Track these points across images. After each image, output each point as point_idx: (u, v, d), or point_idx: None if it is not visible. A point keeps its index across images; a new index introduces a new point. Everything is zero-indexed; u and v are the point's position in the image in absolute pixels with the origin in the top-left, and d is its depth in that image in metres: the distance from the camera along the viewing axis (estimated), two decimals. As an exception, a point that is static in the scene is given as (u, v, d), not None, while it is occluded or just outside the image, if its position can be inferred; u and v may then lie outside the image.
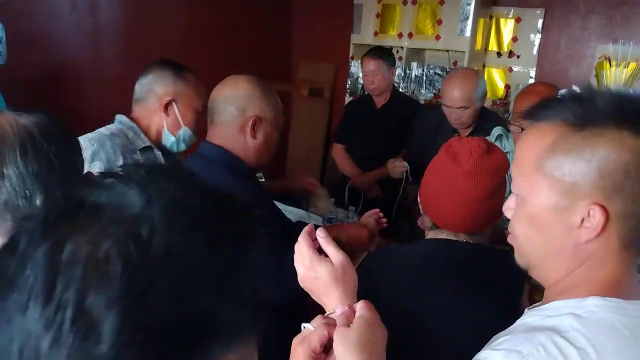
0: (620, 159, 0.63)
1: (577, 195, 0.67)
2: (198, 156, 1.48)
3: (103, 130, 1.63)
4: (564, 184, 0.68)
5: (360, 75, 3.94)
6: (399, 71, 3.84)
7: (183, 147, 1.73)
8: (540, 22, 3.37)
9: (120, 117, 1.70)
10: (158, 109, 1.66)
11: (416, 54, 3.68)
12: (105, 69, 3.16)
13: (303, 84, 4.23)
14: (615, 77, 3.13)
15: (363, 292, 1.24)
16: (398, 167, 2.37)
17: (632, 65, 3.04)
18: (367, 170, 2.84)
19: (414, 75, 3.76)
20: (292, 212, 2.61)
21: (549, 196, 0.70)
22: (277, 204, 2.67)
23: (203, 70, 3.52)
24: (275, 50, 4.37)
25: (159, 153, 1.72)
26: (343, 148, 3.07)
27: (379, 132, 2.86)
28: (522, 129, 1.72)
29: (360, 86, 3.93)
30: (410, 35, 3.44)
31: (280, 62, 4.46)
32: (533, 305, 0.81)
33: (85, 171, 1.41)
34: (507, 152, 1.98)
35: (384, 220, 1.70)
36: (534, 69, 3.45)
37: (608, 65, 3.15)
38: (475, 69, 3.45)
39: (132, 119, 1.69)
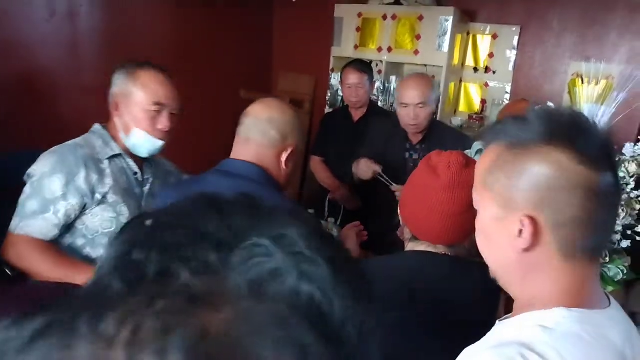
0: (544, 172, 0.68)
1: (512, 207, 0.71)
2: (229, 174, 1.38)
3: (70, 141, 1.57)
4: (501, 197, 0.73)
5: (340, 87, 4.00)
6: (377, 84, 3.90)
7: (144, 152, 1.61)
8: (516, 38, 3.46)
9: (94, 126, 1.64)
10: (113, 111, 1.60)
11: (395, 68, 3.74)
12: (84, 76, 3.12)
13: (283, 95, 4.24)
14: (587, 94, 3.23)
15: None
16: (370, 167, 2.28)
17: (603, 83, 3.13)
18: (345, 183, 2.85)
19: (392, 89, 3.81)
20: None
21: (492, 209, 0.75)
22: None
23: (184, 81, 3.53)
24: (255, 61, 4.38)
25: (130, 160, 1.63)
26: (320, 160, 3.09)
27: (356, 145, 2.88)
28: None
29: (340, 98, 3.96)
30: (390, 49, 3.49)
31: (260, 73, 4.47)
32: (503, 317, 0.83)
33: (46, 185, 1.44)
34: None
35: (364, 232, 1.71)
36: (510, 84, 3.54)
37: (580, 82, 3.24)
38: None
39: (105, 126, 1.64)
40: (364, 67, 2.88)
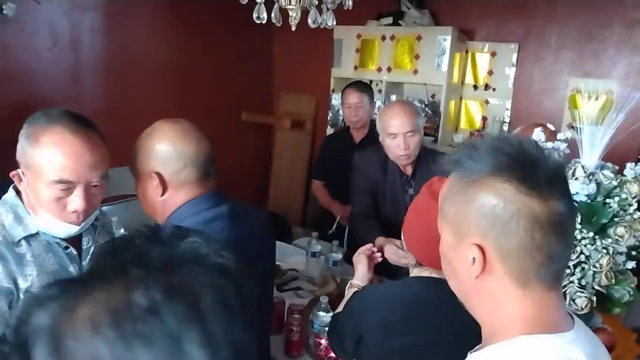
0: (489, 202, 0.69)
1: (462, 235, 0.73)
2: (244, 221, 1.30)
3: None
4: (453, 225, 0.76)
5: (341, 107, 4.02)
6: (378, 103, 3.92)
7: (61, 235, 1.22)
8: (515, 55, 3.48)
9: (5, 195, 1.23)
10: (17, 181, 1.21)
11: (395, 87, 3.76)
12: (85, 105, 3.15)
13: (285, 116, 4.27)
14: (588, 110, 3.23)
15: (351, 332, 1.25)
16: (400, 256, 1.81)
17: (603, 98, 3.15)
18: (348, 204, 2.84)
19: (393, 108, 3.83)
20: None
21: (448, 236, 0.78)
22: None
23: (185, 105, 3.57)
24: (256, 83, 4.42)
25: (53, 240, 1.23)
26: (321, 184, 3.10)
27: None
28: None
29: (340, 118, 3.98)
30: (389, 69, 3.52)
31: (261, 94, 4.51)
32: (473, 350, 0.82)
33: None
34: None
35: (378, 254, 1.68)
36: (509, 101, 3.55)
37: (580, 98, 3.26)
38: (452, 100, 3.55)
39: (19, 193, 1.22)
40: (363, 87, 2.90)
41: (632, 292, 1.37)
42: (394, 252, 1.85)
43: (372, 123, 2.96)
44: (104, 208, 2.99)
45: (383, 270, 2.02)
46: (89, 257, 1.29)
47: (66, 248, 1.24)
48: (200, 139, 1.29)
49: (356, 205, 2.33)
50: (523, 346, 0.69)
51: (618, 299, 1.36)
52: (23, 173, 1.17)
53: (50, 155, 1.12)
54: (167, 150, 1.23)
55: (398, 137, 2.09)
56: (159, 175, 1.23)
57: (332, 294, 1.89)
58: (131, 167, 1.31)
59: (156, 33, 3.52)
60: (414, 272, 1.24)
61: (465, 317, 1.16)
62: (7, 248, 1.15)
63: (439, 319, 1.15)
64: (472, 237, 0.71)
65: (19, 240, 1.17)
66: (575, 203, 0.74)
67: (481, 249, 0.70)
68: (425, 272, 1.20)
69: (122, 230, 2.37)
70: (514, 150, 0.70)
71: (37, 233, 1.20)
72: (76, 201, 1.15)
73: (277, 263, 2.29)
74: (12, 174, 1.18)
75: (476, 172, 0.71)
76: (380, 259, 1.69)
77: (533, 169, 0.68)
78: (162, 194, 1.24)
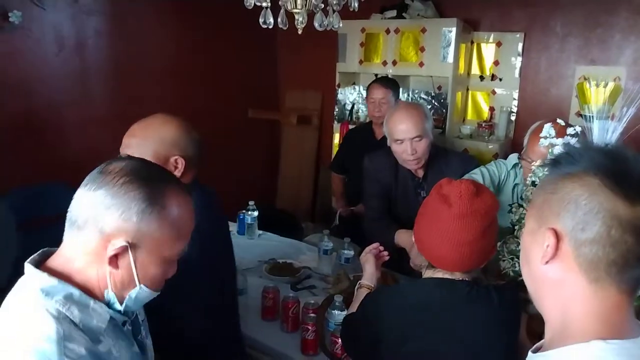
0: (576, 192, 0.71)
1: (542, 221, 0.75)
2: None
3: (34, 341, 0.82)
4: (537, 212, 0.78)
5: (348, 101, 4.02)
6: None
7: (135, 308, 1.02)
8: (520, 45, 3.46)
9: (37, 277, 0.90)
10: (102, 254, 0.91)
11: (401, 80, 3.73)
12: (94, 109, 3.18)
13: (291, 112, 4.27)
14: (597, 96, 3.22)
15: (366, 336, 1.27)
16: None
17: (611, 85, 3.13)
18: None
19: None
20: (286, 243, 2.64)
21: (530, 223, 0.80)
22: (273, 235, 2.74)
23: (192, 105, 3.58)
24: (261, 80, 4.42)
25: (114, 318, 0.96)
26: (341, 178, 3.15)
27: None
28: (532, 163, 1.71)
29: (347, 112, 3.98)
30: (394, 63, 3.51)
31: (267, 91, 4.51)
32: (535, 346, 0.83)
33: None
34: (516, 184, 2.01)
35: (385, 253, 1.69)
36: (517, 91, 3.54)
37: (587, 86, 3.24)
38: (458, 92, 3.53)
39: (57, 270, 0.92)
40: (389, 83, 2.90)
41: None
42: (406, 236, 1.93)
43: None
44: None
45: (399, 268, 2.03)
46: (143, 330, 1.10)
47: (123, 324, 1.01)
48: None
49: (370, 209, 2.32)
50: (596, 354, 0.69)
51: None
52: (130, 246, 0.90)
53: (181, 225, 0.97)
54: (185, 137, 1.45)
55: (405, 143, 2.05)
56: (183, 159, 1.43)
57: (345, 291, 1.91)
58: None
59: (161, 34, 3.53)
60: (427, 274, 1.25)
61: (480, 317, 1.17)
62: (92, 355, 0.87)
63: (454, 320, 1.16)
64: (551, 223, 0.73)
65: (102, 336, 0.92)
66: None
67: (557, 234, 0.72)
68: (438, 274, 1.22)
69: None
70: (610, 151, 0.73)
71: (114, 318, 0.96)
72: (174, 267, 1.02)
73: (289, 261, 2.32)
74: (113, 252, 0.90)
75: (571, 168, 0.74)
76: (387, 258, 1.70)
77: (625, 170, 0.70)
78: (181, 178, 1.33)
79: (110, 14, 3.18)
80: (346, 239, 2.39)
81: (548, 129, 1.44)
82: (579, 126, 1.47)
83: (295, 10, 1.52)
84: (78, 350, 0.84)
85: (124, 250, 0.90)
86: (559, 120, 1.57)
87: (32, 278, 0.90)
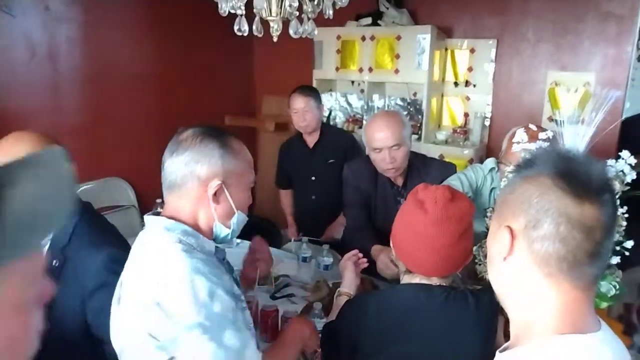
0: (528, 191, 0.76)
1: (501, 220, 0.80)
2: None
3: (178, 254, 1.09)
4: (497, 213, 0.83)
5: (325, 108, 4.02)
6: (361, 103, 3.94)
7: (235, 237, 1.29)
8: (493, 51, 3.52)
9: (158, 220, 1.18)
10: (203, 197, 1.17)
11: (377, 87, 3.78)
12: (67, 117, 3.12)
13: (268, 119, 4.26)
14: (567, 101, 3.30)
15: (345, 342, 1.27)
16: (390, 268, 1.84)
17: (581, 91, 3.21)
18: (320, 211, 2.87)
19: (375, 107, 3.85)
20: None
21: (492, 225, 0.84)
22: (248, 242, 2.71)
23: (168, 113, 3.55)
24: (238, 87, 4.41)
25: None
26: (289, 194, 3.11)
27: (318, 170, 2.86)
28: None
29: (324, 118, 3.98)
30: (370, 70, 3.54)
31: (243, 98, 4.50)
32: (502, 347, 0.84)
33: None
34: (493, 188, 2.03)
35: (364, 260, 1.69)
36: (490, 97, 3.59)
37: (558, 91, 3.32)
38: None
39: (171, 217, 1.18)
40: (309, 91, 2.83)
41: (617, 287, 1.40)
42: (385, 265, 1.86)
43: (323, 126, 2.91)
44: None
45: (378, 274, 2.03)
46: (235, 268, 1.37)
47: (223, 259, 1.29)
48: None
49: (351, 219, 2.32)
50: (556, 349, 0.72)
51: (604, 294, 1.40)
52: (222, 185, 1.17)
53: (247, 156, 1.25)
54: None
55: (383, 151, 2.05)
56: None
57: (324, 299, 1.90)
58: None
59: (135, 42, 3.49)
60: (405, 279, 1.25)
61: (457, 322, 1.18)
62: (217, 275, 1.11)
63: (432, 325, 1.17)
64: (508, 221, 0.77)
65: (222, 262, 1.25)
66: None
67: (512, 231, 0.76)
68: (416, 279, 1.22)
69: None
70: (564, 154, 0.78)
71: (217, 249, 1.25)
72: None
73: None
74: (213, 190, 1.16)
75: (530, 171, 0.78)
76: (366, 265, 1.71)
77: (575, 171, 0.74)
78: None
79: (83, 22, 3.13)
80: (325, 246, 2.38)
81: (521, 134, 1.47)
82: (551, 131, 1.50)
83: (270, 18, 1.51)
84: (200, 256, 1.11)
85: (219, 187, 1.17)
86: (531, 126, 1.60)
87: (154, 223, 1.18)
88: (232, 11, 1.54)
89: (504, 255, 0.77)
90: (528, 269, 0.76)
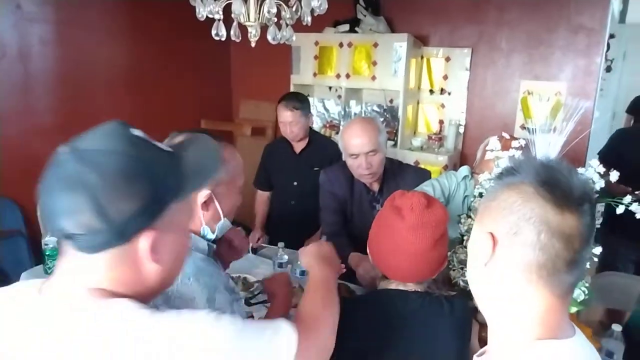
0: (510, 197, 0.76)
1: (482, 226, 0.80)
2: None
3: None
4: (478, 219, 0.83)
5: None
6: (338, 109, 3.96)
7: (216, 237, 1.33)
8: (468, 60, 3.59)
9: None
10: (194, 203, 1.21)
11: (354, 93, 3.81)
12: (37, 119, 3.05)
13: (245, 123, 4.25)
14: (539, 110, 3.37)
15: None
16: (371, 276, 1.84)
17: (553, 100, 3.28)
18: (297, 217, 2.82)
19: (352, 113, 3.88)
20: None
21: (474, 232, 0.85)
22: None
23: (143, 115, 3.50)
24: (214, 90, 4.39)
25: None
26: (266, 197, 3.04)
27: (301, 175, 2.83)
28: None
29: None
30: (348, 76, 3.56)
31: (220, 102, 4.47)
32: (479, 351, 0.85)
33: None
34: (466, 195, 2.05)
35: (341, 265, 1.69)
36: (465, 104, 3.65)
37: (530, 100, 3.39)
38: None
39: None
40: (296, 102, 2.77)
41: (587, 292, 1.44)
42: (367, 272, 1.86)
43: (311, 133, 2.89)
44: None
45: (355, 279, 2.04)
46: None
47: (213, 254, 1.33)
48: None
49: (326, 225, 2.31)
50: (534, 354, 0.73)
51: (574, 299, 1.43)
52: (211, 195, 1.24)
53: (239, 161, 1.32)
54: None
55: (359, 157, 2.06)
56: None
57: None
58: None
59: (110, 43, 3.44)
60: (381, 285, 1.26)
61: (432, 327, 1.19)
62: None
63: (408, 331, 1.17)
64: (489, 227, 0.78)
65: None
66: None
67: (493, 237, 0.76)
68: (392, 285, 1.23)
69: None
70: (547, 164, 0.78)
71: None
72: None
73: (244, 275, 2.28)
74: (202, 200, 1.22)
75: (512, 179, 0.78)
76: (344, 270, 1.70)
77: (557, 180, 0.75)
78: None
79: (55, 22, 3.07)
80: (280, 244, 2.37)
81: (494, 142, 1.50)
82: (523, 139, 1.53)
83: (248, 24, 1.51)
84: (200, 255, 1.21)
85: (209, 197, 1.23)
86: (504, 134, 1.63)
87: None
88: (210, 16, 1.54)
89: (485, 260, 0.77)
90: (508, 275, 0.76)
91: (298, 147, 2.86)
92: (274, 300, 1.50)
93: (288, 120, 2.74)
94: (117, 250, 0.72)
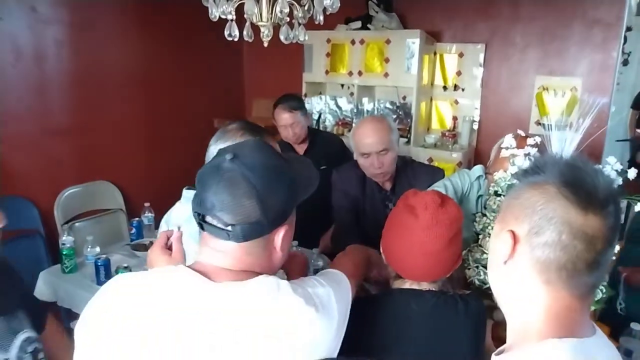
0: (533, 197, 0.76)
1: (504, 224, 0.80)
2: None
3: None
4: (501, 216, 0.83)
5: (314, 111, 4.03)
6: (351, 106, 3.95)
7: None
8: (482, 55, 3.55)
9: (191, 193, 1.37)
10: None
11: (366, 90, 3.79)
12: (54, 120, 3.09)
13: (257, 122, 4.23)
14: (555, 105, 3.33)
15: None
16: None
17: (568, 96, 3.25)
18: (311, 216, 2.81)
19: (365, 110, 3.87)
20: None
21: (495, 227, 0.85)
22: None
23: (156, 115, 3.53)
24: (227, 90, 4.40)
25: None
26: None
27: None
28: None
29: (314, 121, 4.00)
30: (360, 73, 3.55)
31: (233, 101, 4.49)
32: (498, 350, 0.85)
33: None
34: (480, 195, 2.04)
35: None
36: (478, 101, 3.62)
37: (545, 96, 3.35)
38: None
39: None
40: (293, 103, 2.75)
41: (604, 290, 1.42)
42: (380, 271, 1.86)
43: (312, 132, 2.86)
44: (77, 224, 2.94)
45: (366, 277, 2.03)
46: None
47: None
48: None
49: (339, 224, 2.31)
50: (551, 351, 0.73)
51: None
52: None
53: None
54: None
55: (371, 157, 2.06)
56: None
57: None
58: None
59: (124, 44, 3.46)
60: (395, 285, 1.26)
61: (447, 327, 1.19)
62: None
63: (423, 330, 1.17)
64: (511, 225, 0.78)
65: None
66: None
67: (514, 236, 0.76)
68: (406, 284, 1.23)
69: (97, 249, 2.33)
70: (570, 163, 0.78)
71: None
72: None
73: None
74: None
75: (536, 178, 0.78)
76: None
77: (581, 180, 0.74)
78: None
79: (70, 24, 3.10)
80: (314, 250, 2.38)
81: (509, 139, 1.48)
82: (538, 136, 1.51)
83: (260, 24, 1.51)
84: None
85: None
86: (519, 132, 1.62)
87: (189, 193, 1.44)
88: (223, 16, 1.54)
89: (505, 258, 0.77)
90: (527, 274, 0.76)
91: (300, 149, 2.82)
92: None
93: (289, 122, 2.71)
94: (261, 240, 0.90)
